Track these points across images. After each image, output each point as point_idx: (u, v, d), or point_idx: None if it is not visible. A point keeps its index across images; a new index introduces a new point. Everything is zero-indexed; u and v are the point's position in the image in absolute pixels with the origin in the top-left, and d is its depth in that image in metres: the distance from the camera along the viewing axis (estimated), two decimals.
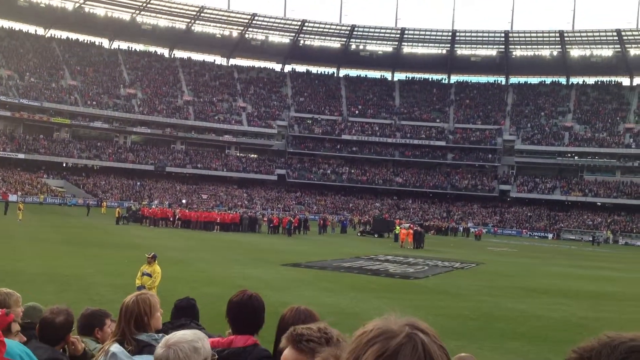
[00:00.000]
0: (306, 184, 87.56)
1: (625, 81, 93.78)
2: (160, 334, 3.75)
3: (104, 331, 4.05)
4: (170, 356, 2.27)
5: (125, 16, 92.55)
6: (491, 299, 19.02)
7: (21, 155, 75.71)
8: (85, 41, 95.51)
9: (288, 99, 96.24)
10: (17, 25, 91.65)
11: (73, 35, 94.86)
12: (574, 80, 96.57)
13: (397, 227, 47.34)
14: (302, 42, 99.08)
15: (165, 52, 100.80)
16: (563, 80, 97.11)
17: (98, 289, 15.80)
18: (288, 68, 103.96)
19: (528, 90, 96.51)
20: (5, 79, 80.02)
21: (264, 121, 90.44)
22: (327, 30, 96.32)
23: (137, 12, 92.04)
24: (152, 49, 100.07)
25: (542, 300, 19.43)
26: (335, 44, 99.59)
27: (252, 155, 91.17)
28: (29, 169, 76.47)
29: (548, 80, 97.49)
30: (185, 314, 5.19)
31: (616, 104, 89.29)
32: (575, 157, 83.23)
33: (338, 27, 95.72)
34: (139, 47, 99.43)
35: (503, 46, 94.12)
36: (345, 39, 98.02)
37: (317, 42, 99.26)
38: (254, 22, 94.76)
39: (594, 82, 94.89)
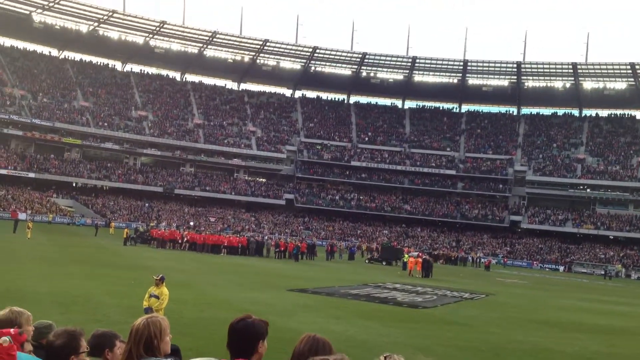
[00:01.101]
0: (314, 210, 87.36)
1: (639, 115, 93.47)
2: (170, 359, 3.59)
3: (114, 352, 3.93)
4: None
5: (139, 40, 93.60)
6: (501, 331, 18.65)
7: (32, 175, 76.11)
8: (99, 63, 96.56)
9: (298, 124, 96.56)
10: (31, 46, 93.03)
11: (86, 57, 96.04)
12: (587, 112, 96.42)
13: (406, 256, 46.92)
14: (313, 68, 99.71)
15: (177, 75, 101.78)
16: (576, 112, 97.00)
17: (105, 310, 15.61)
18: (298, 94, 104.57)
19: (540, 121, 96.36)
20: (19, 99, 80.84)
21: (273, 146, 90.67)
22: (338, 57, 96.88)
23: (151, 36, 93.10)
24: (164, 72, 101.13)
25: (554, 334, 19.04)
26: (346, 70, 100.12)
27: (261, 180, 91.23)
28: (39, 188, 76.76)
29: (560, 111, 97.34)
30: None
31: (629, 137, 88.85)
32: (588, 190, 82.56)
33: (349, 54, 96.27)
34: (151, 70, 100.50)
35: (515, 77, 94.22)
36: (356, 66, 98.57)
37: (328, 69, 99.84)
38: (265, 47, 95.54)
39: (607, 115, 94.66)
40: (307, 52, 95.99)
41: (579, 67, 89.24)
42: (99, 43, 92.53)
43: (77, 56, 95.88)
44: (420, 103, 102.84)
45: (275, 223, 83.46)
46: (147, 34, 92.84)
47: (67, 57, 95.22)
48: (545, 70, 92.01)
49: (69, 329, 3.81)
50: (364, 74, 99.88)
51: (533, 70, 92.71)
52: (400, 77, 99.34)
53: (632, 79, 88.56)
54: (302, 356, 3.19)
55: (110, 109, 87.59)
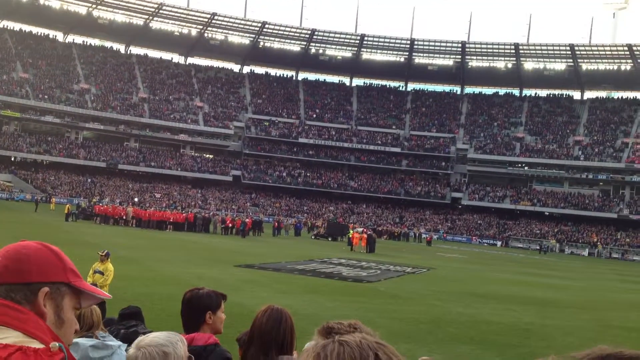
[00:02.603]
0: (261, 186, 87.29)
1: (576, 95, 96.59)
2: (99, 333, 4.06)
3: None
4: (139, 358, 2.28)
5: (82, 10, 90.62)
6: (441, 304, 19.38)
7: None
8: (39, 34, 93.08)
9: (246, 100, 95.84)
10: None
11: (26, 27, 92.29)
12: (527, 92, 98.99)
13: (351, 231, 47.67)
14: (262, 43, 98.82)
15: (121, 48, 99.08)
16: (516, 92, 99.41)
17: None
18: (247, 69, 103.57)
19: (482, 100, 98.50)
20: None
21: (220, 121, 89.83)
22: (287, 33, 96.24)
23: (94, 6, 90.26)
24: (108, 44, 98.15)
25: (491, 306, 19.88)
26: (295, 47, 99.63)
27: (208, 156, 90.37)
28: None
29: (502, 91, 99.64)
30: (131, 319, 5.25)
31: (567, 117, 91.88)
32: (526, 168, 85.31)
33: (298, 31, 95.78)
34: (94, 41, 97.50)
35: (460, 56, 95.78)
36: (305, 43, 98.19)
37: (277, 45, 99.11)
38: (213, 21, 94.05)
39: (546, 95, 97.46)
40: (256, 27, 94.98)
41: (520, 47, 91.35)
42: (40, 12, 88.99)
43: (16, 26, 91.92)
44: (368, 81, 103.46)
45: (222, 199, 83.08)
46: (90, 4, 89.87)
47: (5, 27, 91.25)
48: (489, 50, 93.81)
49: None
50: (313, 50, 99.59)
51: (477, 50, 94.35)
52: (348, 54, 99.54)
53: (571, 60, 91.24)
54: (263, 326, 3.25)
55: (51, 81, 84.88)
